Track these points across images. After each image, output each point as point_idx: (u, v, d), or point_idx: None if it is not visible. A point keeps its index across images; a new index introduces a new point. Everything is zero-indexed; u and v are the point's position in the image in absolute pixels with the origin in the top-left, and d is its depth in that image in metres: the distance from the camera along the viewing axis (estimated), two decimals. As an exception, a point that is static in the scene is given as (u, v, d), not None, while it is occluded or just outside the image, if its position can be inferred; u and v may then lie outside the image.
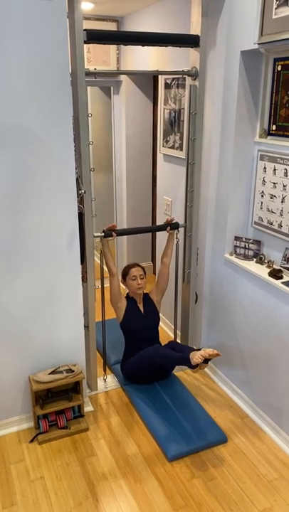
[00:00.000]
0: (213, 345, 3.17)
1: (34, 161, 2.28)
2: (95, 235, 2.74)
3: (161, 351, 2.78)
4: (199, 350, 2.65)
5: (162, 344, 3.00)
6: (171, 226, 2.99)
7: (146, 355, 2.83)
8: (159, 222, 3.73)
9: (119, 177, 4.46)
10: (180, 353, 2.70)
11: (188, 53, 2.78)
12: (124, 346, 3.07)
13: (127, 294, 3.09)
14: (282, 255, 2.53)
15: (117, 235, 2.85)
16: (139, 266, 3.02)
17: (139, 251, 4.67)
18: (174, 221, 2.99)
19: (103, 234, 2.78)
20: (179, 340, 3.41)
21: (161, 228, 3.03)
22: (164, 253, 3.10)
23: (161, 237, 3.70)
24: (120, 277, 3.06)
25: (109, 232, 2.80)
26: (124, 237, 4.57)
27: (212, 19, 2.63)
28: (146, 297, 3.10)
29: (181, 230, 3.10)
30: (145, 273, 3.05)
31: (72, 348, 2.70)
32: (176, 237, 3.05)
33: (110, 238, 2.81)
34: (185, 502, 2.23)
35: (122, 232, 2.96)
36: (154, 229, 3.02)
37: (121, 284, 3.06)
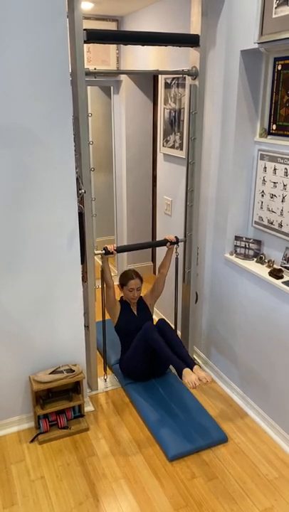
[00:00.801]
0: (214, 344, 3.17)
1: (34, 161, 2.28)
2: (96, 252, 2.76)
3: (153, 335, 2.77)
4: (192, 365, 2.64)
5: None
6: (172, 242, 3.01)
7: (139, 338, 2.86)
8: (160, 222, 3.73)
9: (119, 177, 4.46)
10: (175, 358, 2.67)
11: (188, 53, 2.78)
12: (121, 348, 3.12)
13: (121, 297, 3.15)
14: (283, 255, 2.53)
15: (118, 252, 2.88)
16: (137, 277, 3.06)
17: (139, 251, 4.66)
18: (174, 241, 3.00)
19: (104, 251, 2.81)
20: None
21: (162, 244, 3.05)
22: (162, 264, 3.13)
23: (161, 236, 3.70)
24: (118, 282, 3.11)
25: (109, 250, 2.83)
26: (125, 237, 4.57)
27: (212, 19, 2.63)
28: (140, 300, 3.14)
29: (182, 229, 3.10)
30: (142, 281, 3.10)
31: (72, 347, 2.71)
32: (176, 251, 3.08)
33: (111, 255, 2.85)
34: (186, 502, 2.23)
35: (122, 249, 2.98)
36: (154, 244, 3.12)
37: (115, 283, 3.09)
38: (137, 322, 3.03)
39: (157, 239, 3.80)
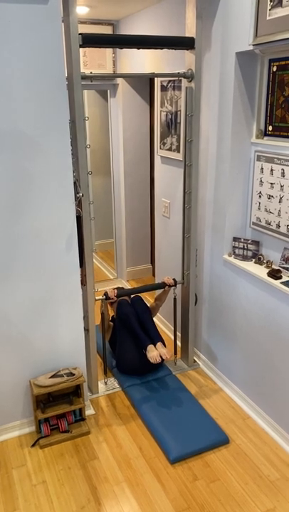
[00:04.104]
0: (214, 346, 3.17)
1: (31, 165, 2.28)
2: (97, 298, 2.82)
3: (123, 309, 3.01)
4: (157, 341, 2.90)
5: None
6: (170, 285, 3.09)
7: (117, 320, 3.04)
8: (158, 224, 3.73)
9: (117, 180, 4.47)
10: (142, 334, 2.92)
11: (183, 55, 2.79)
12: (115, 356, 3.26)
13: (112, 316, 3.29)
14: (281, 255, 2.53)
15: (118, 297, 2.97)
16: (127, 298, 3.21)
17: (138, 253, 4.67)
18: (172, 284, 3.09)
19: (104, 297, 2.88)
20: (179, 343, 3.41)
21: (161, 286, 3.13)
22: (158, 297, 3.28)
23: (160, 239, 3.70)
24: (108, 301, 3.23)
25: (109, 296, 2.92)
26: (124, 239, 4.57)
27: (207, 21, 2.64)
28: None
29: (180, 231, 3.11)
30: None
31: (72, 351, 2.70)
32: (174, 293, 3.14)
33: (111, 300, 2.96)
34: (188, 504, 2.23)
35: (122, 293, 3.05)
36: (155, 287, 3.23)
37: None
38: None
39: (156, 241, 3.80)
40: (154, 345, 2.89)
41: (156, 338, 2.94)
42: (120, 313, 3.02)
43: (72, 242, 2.50)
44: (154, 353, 2.84)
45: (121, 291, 3.02)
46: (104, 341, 3.07)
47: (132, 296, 3.15)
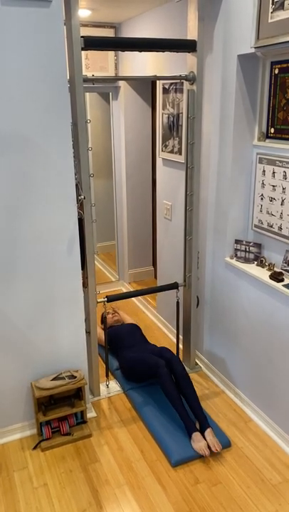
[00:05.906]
0: (216, 349, 3.17)
1: (33, 168, 2.29)
2: (98, 300, 2.82)
3: (166, 384, 2.64)
4: (205, 427, 2.51)
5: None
6: (171, 286, 3.09)
7: (145, 366, 2.86)
8: (160, 226, 3.73)
9: (118, 182, 4.47)
10: (187, 417, 2.54)
11: (185, 58, 2.79)
12: (115, 353, 3.31)
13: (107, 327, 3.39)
14: (283, 258, 2.52)
15: (109, 301, 2.98)
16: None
17: (139, 255, 4.67)
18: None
19: (106, 299, 2.89)
20: (181, 346, 3.40)
21: (162, 289, 3.14)
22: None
23: (162, 241, 3.70)
24: (100, 322, 3.31)
25: (113, 297, 2.94)
26: (125, 241, 4.57)
27: (208, 24, 2.64)
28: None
29: (182, 233, 3.10)
30: (118, 314, 3.59)
31: (74, 353, 2.70)
32: (177, 296, 3.14)
33: (113, 303, 3.07)
34: (189, 508, 2.22)
35: (123, 296, 3.07)
36: (156, 289, 3.22)
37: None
38: (122, 329, 3.34)
39: (157, 244, 3.81)
40: (202, 433, 2.50)
41: (204, 421, 2.53)
42: (159, 376, 2.69)
43: (73, 244, 2.50)
44: (201, 444, 2.44)
45: (123, 294, 3.01)
46: (106, 344, 3.06)
47: (169, 354, 2.84)
